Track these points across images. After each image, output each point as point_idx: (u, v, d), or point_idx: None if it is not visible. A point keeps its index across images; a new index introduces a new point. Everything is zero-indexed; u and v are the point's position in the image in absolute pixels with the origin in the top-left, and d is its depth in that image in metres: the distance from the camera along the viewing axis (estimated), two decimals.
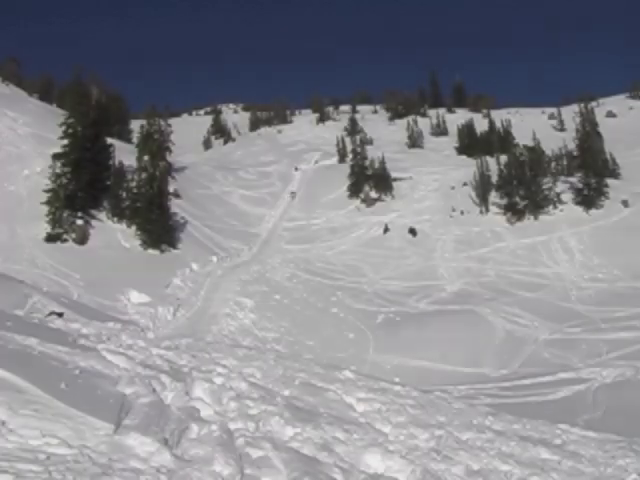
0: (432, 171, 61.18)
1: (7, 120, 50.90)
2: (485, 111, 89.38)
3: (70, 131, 41.77)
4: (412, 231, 47.34)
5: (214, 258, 40.88)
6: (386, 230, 48.31)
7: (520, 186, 48.92)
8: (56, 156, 40.24)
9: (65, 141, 41.25)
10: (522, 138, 64.21)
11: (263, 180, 64.52)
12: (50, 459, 5.23)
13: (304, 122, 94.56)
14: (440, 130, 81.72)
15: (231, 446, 6.53)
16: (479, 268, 40.14)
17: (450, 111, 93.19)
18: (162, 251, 39.00)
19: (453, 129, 77.17)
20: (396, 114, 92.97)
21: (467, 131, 73.54)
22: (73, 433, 5.89)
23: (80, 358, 9.06)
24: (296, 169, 68.46)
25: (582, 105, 65.15)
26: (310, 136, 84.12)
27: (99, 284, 31.18)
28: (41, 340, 9.46)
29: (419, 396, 11.01)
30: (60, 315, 16.41)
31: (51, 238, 35.98)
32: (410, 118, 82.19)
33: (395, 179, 58.00)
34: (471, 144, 70.30)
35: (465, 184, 53.42)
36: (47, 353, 8.93)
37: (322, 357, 23.36)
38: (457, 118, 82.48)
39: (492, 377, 24.24)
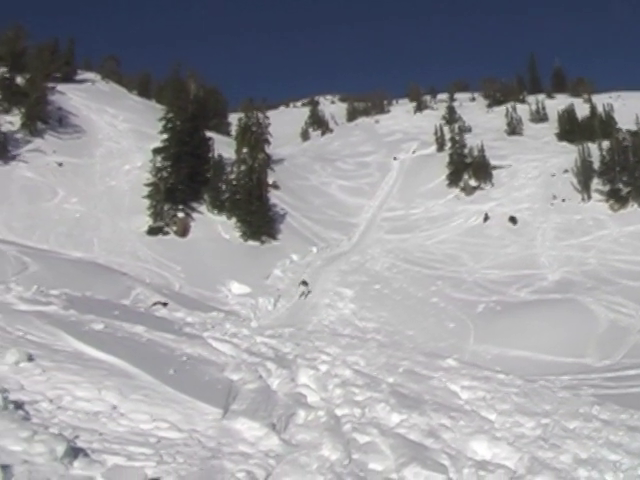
0: (532, 158, 59.71)
1: (107, 117, 52.49)
2: (586, 96, 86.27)
3: (169, 126, 42.75)
4: (512, 219, 46.46)
5: (314, 249, 41.16)
6: (486, 219, 47.59)
7: (623, 172, 47.27)
8: (156, 150, 41.25)
9: (165, 135, 42.23)
10: (625, 123, 61.95)
11: (361, 170, 64.44)
12: (160, 442, 5.35)
13: (401, 111, 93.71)
14: (539, 116, 79.50)
15: (338, 432, 6.59)
16: (581, 256, 39.04)
17: (549, 97, 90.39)
18: (262, 242, 39.50)
19: (553, 115, 74.95)
20: (494, 101, 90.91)
21: (567, 117, 71.26)
22: (182, 417, 6.03)
23: (187, 345, 9.30)
24: (394, 159, 68.10)
25: None
26: (408, 125, 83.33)
27: (200, 276, 31.91)
28: (148, 328, 9.76)
29: (523, 385, 10.84)
30: (165, 305, 16.96)
31: (153, 231, 36.91)
32: (509, 105, 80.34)
33: (494, 167, 57.02)
34: (572, 130, 68.09)
35: (566, 171, 51.96)
36: (154, 340, 9.21)
37: (423, 347, 23.25)
38: (557, 104, 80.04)
39: (595, 367, 23.50)
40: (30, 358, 6.60)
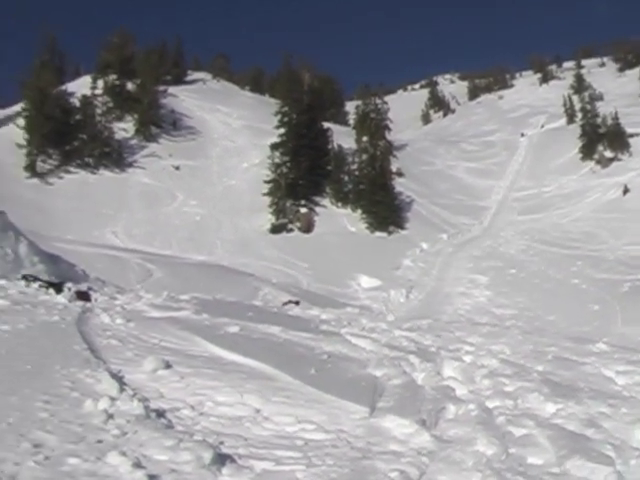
0: None
1: (221, 115, 53.45)
2: None
3: (285, 119, 42.93)
4: None
5: (444, 235, 40.63)
6: (625, 191, 45.64)
7: None
8: (274, 146, 41.55)
9: (281, 130, 42.45)
10: None
11: (487, 150, 63.32)
12: (308, 445, 5.22)
13: (525, 85, 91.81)
14: None
15: (492, 425, 6.30)
16: None
17: None
18: (390, 233, 39.21)
19: None
20: (626, 64, 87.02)
21: None
22: (328, 418, 5.90)
23: (325, 343, 9.19)
24: (522, 135, 66.65)
25: None
26: (533, 99, 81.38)
27: (328, 271, 31.93)
28: (284, 328, 9.70)
29: None
30: (297, 303, 16.98)
31: (276, 229, 37.09)
32: None
33: (631, 135, 54.71)
34: None
35: None
36: (292, 340, 9.15)
37: (567, 331, 22.39)
38: None
39: None
40: (167, 365, 6.62)
